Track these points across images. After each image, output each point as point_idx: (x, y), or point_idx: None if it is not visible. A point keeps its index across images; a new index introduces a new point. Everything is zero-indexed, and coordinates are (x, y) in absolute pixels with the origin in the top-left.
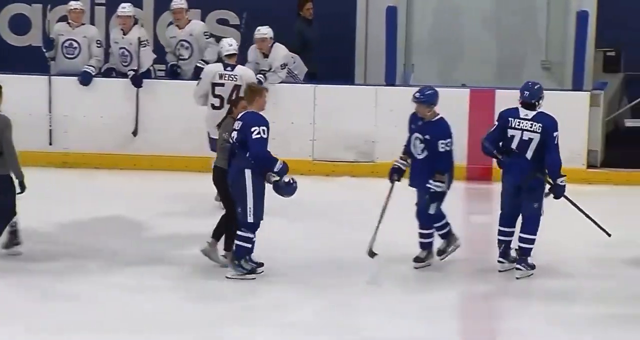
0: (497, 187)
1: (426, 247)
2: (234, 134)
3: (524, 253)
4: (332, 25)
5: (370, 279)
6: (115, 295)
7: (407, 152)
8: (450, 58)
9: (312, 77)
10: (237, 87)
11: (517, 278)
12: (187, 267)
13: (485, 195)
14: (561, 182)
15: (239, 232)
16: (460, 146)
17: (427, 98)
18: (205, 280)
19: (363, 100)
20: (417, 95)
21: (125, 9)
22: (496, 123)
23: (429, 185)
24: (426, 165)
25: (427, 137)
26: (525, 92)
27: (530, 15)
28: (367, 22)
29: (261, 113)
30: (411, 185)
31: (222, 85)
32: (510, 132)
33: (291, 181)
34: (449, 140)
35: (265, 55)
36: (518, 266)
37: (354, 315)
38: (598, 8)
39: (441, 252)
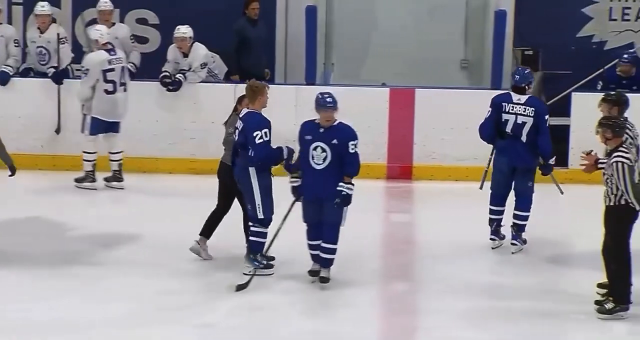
0: (417, 186)
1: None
2: (237, 134)
3: (520, 229)
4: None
5: (277, 280)
6: (25, 297)
7: (296, 166)
8: (371, 57)
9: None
10: (124, 68)
11: (513, 253)
12: (105, 267)
13: (405, 194)
14: (552, 162)
15: (252, 228)
16: (380, 145)
17: (336, 103)
18: (125, 278)
19: (283, 99)
20: (329, 101)
21: (44, 7)
22: (490, 109)
23: (340, 188)
24: (331, 173)
25: (334, 142)
26: (516, 76)
27: (449, 15)
28: (287, 22)
29: (262, 112)
30: (314, 197)
31: (113, 70)
32: (504, 116)
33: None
34: (357, 141)
35: (185, 55)
36: (514, 241)
37: (269, 316)
38: (516, 7)
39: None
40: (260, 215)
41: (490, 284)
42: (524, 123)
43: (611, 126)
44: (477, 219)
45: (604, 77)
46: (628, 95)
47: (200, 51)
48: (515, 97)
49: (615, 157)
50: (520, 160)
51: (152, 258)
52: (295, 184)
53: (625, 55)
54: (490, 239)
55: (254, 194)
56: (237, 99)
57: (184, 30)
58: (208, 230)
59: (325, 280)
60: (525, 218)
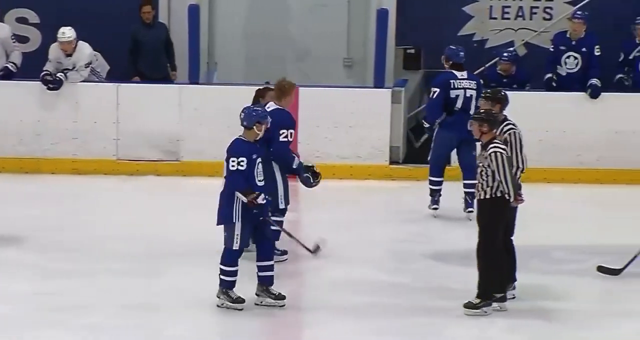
0: (302, 185)
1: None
2: None
3: (473, 196)
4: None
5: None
6: None
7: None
8: (254, 56)
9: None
10: None
11: (470, 220)
12: None
13: (291, 193)
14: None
15: (273, 218)
16: None
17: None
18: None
19: (167, 98)
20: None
21: None
22: (437, 91)
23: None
24: None
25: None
26: (460, 53)
27: (332, 13)
28: (170, 21)
29: (288, 110)
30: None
31: None
32: (454, 92)
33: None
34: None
35: (69, 54)
36: (470, 209)
37: (157, 316)
38: (398, 6)
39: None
40: (282, 205)
41: (373, 280)
42: (471, 96)
43: (487, 120)
44: (362, 217)
45: (485, 75)
46: (508, 93)
47: (85, 50)
48: (458, 74)
49: (491, 148)
50: (469, 131)
51: (39, 260)
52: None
53: (505, 54)
54: (433, 208)
55: (277, 183)
56: (257, 91)
57: (68, 35)
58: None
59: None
60: (474, 186)
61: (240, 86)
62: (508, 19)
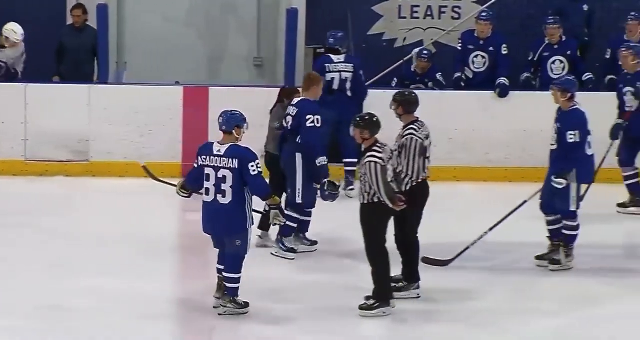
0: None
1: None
2: (289, 120)
3: (353, 175)
4: (42, 25)
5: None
6: None
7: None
8: (164, 56)
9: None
10: None
11: (351, 197)
12: None
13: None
14: None
15: (287, 213)
16: (175, 143)
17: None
18: None
19: (76, 98)
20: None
21: None
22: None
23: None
24: None
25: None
26: (330, 39)
27: (242, 13)
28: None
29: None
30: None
31: None
32: (329, 75)
33: (332, 192)
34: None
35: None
36: (352, 187)
37: (69, 317)
38: (307, 5)
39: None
40: (299, 200)
41: (299, 282)
42: (346, 78)
43: (368, 126)
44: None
45: (400, 73)
46: (422, 92)
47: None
48: (335, 57)
49: (368, 157)
50: (347, 112)
51: None
52: None
53: (425, 52)
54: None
55: (297, 178)
56: (281, 90)
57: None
58: (267, 223)
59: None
60: (355, 164)
61: (150, 86)
62: (417, 18)
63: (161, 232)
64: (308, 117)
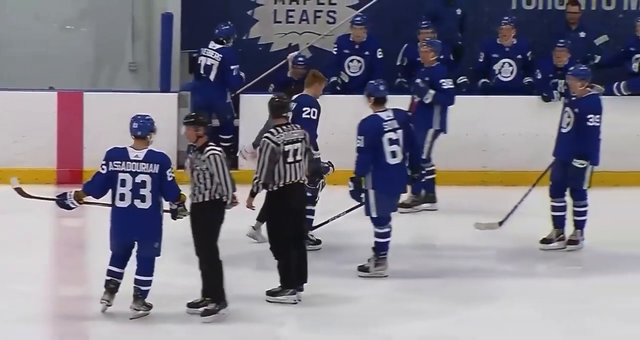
0: None
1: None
2: (289, 115)
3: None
4: None
5: None
6: None
7: None
8: (37, 60)
9: None
10: None
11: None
12: None
13: None
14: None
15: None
16: (49, 149)
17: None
18: None
19: None
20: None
21: None
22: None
23: None
24: None
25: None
26: (216, 30)
27: (116, 17)
28: None
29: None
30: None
31: None
32: (200, 58)
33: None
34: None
35: None
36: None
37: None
38: (182, 9)
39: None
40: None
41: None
42: (212, 65)
43: (202, 123)
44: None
45: (276, 78)
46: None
47: None
48: (212, 44)
49: (208, 151)
50: (210, 98)
51: None
52: None
53: (300, 58)
54: None
55: None
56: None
57: None
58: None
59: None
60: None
61: (22, 91)
62: (293, 22)
63: (36, 236)
64: (304, 108)
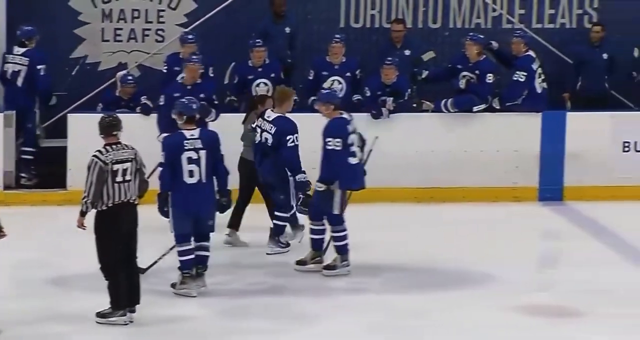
0: None
1: None
2: (268, 137)
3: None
4: None
5: None
6: None
7: None
8: None
9: None
10: None
11: None
12: None
13: None
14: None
15: (278, 214)
16: None
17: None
18: None
19: None
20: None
21: None
22: None
23: None
24: None
25: None
26: (18, 31)
27: None
28: None
29: (289, 116)
30: None
31: None
32: (6, 66)
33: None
34: None
35: None
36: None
37: None
38: (7, 29)
39: None
40: (293, 202)
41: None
42: (19, 70)
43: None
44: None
45: (104, 98)
46: (126, 115)
47: None
48: (16, 49)
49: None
50: (18, 103)
51: None
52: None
53: (129, 77)
54: None
55: (290, 185)
56: (257, 97)
57: None
58: (235, 221)
59: None
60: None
61: None
62: (121, 41)
63: None
64: (288, 137)
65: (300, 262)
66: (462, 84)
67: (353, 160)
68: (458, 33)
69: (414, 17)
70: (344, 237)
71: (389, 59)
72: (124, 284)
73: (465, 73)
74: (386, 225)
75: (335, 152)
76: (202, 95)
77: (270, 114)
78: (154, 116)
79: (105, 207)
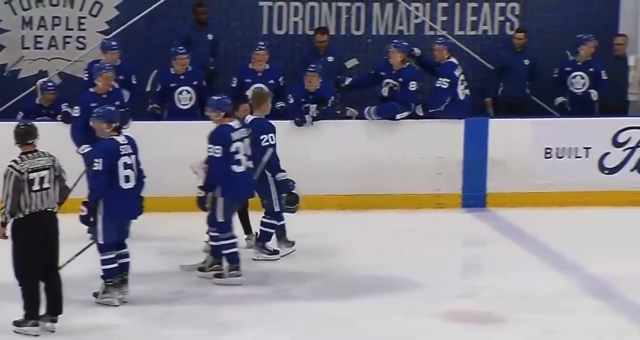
0: None
1: None
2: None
3: None
4: None
5: None
6: None
7: None
8: None
9: None
10: None
11: None
12: None
13: None
14: None
15: (264, 220)
16: None
17: None
18: None
19: None
20: None
21: None
22: None
23: None
24: None
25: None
26: None
27: None
28: None
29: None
30: None
31: None
32: None
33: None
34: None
35: None
36: None
37: None
38: None
39: None
40: (277, 208)
41: None
42: None
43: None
44: None
45: (24, 106)
46: (47, 124)
47: None
48: None
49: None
50: None
51: None
52: None
53: (50, 84)
54: None
55: (271, 189)
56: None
57: None
58: (247, 227)
59: None
60: None
61: None
62: (41, 48)
63: None
64: (262, 136)
65: (200, 269)
66: (385, 91)
67: (238, 169)
68: (381, 40)
69: (337, 24)
70: (231, 245)
71: (312, 66)
72: (38, 294)
73: (388, 80)
74: (310, 233)
75: (214, 159)
76: (117, 103)
77: (248, 118)
78: None
79: (23, 215)
